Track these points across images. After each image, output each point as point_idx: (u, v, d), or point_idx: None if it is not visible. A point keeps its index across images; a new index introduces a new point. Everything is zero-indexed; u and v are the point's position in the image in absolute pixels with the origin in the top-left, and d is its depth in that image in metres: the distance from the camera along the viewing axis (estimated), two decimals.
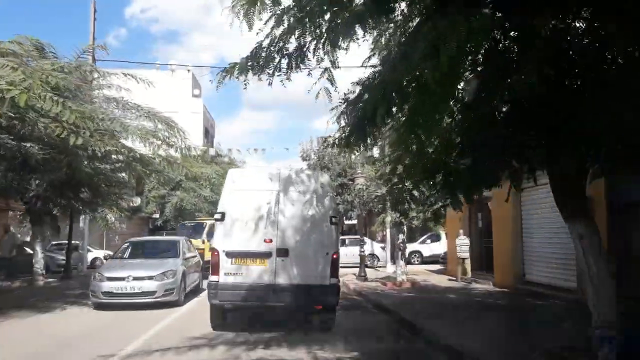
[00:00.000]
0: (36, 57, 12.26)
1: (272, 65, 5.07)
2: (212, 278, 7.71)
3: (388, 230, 20.64)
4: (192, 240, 16.86)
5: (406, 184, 7.47)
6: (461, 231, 16.61)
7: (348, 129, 7.40)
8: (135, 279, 10.55)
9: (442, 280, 16.42)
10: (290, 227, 7.85)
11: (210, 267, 8.03)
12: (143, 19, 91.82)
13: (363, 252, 17.52)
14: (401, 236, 14.95)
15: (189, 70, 51.86)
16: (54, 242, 25.10)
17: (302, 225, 7.88)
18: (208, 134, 52.29)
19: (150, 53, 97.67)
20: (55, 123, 9.73)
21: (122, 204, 30.91)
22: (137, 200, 31.70)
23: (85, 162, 13.79)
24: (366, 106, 5.95)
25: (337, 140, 7.44)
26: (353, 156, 32.86)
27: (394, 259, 21.38)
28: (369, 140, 7.50)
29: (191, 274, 12.41)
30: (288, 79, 5.26)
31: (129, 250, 12.95)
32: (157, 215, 36.00)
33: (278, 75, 5.18)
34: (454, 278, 16.28)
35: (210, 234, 18.62)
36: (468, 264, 15.74)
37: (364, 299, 12.72)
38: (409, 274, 17.88)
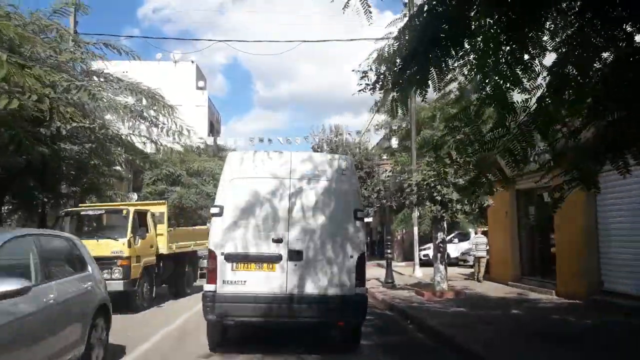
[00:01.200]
0: None
1: None
2: (208, 287, 6.36)
3: (415, 229, 17.78)
4: (102, 242, 9.81)
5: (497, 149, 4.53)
6: (478, 229, 16.52)
7: (402, 56, 4.62)
8: None
9: (487, 288, 13.55)
10: (305, 223, 6.49)
11: (205, 273, 6.82)
12: (156, 19, 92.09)
13: (390, 254, 14.67)
14: (440, 235, 12.06)
15: (192, 61, 49.64)
16: None
17: (319, 221, 6.50)
18: (213, 129, 49.61)
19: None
20: None
21: (117, 199, 28.52)
22: (134, 197, 29.18)
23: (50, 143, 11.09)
24: None
25: (382, 76, 4.62)
26: (371, 144, 29.93)
27: (428, 263, 18.58)
28: (433, 82, 4.74)
29: (36, 343, 4.40)
30: None
31: None
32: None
33: None
34: (473, 278, 15.39)
35: (139, 231, 10.64)
36: (483, 265, 15.27)
37: (400, 316, 9.89)
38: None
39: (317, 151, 28.28)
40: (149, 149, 16.73)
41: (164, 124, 14.36)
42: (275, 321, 6.47)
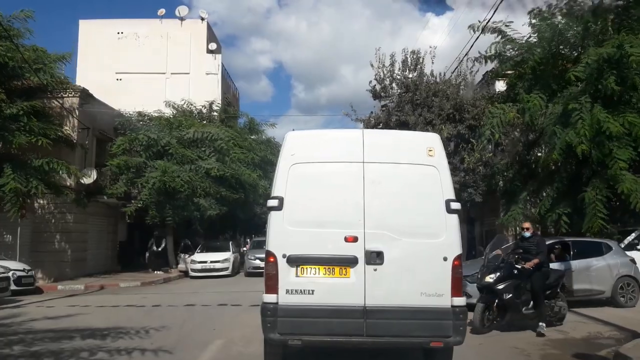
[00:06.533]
0: None
1: None
2: (268, 298, 5.16)
3: None
4: None
5: None
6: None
7: None
8: None
9: None
10: (385, 217, 5.19)
11: (264, 280, 5.34)
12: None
13: None
14: None
15: (203, 19, 39.79)
16: None
17: (402, 214, 5.21)
18: (229, 104, 39.55)
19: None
20: None
21: (60, 177, 18.64)
22: (92, 174, 19.05)
23: None
24: None
25: None
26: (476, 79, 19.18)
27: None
28: None
29: None
30: None
31: None
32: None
33: None
34: None
35: None
36: None
37: None
38: None
39: (380, 96, 17.72)
40: None
41: None
42: (351, 341, 5.16)
